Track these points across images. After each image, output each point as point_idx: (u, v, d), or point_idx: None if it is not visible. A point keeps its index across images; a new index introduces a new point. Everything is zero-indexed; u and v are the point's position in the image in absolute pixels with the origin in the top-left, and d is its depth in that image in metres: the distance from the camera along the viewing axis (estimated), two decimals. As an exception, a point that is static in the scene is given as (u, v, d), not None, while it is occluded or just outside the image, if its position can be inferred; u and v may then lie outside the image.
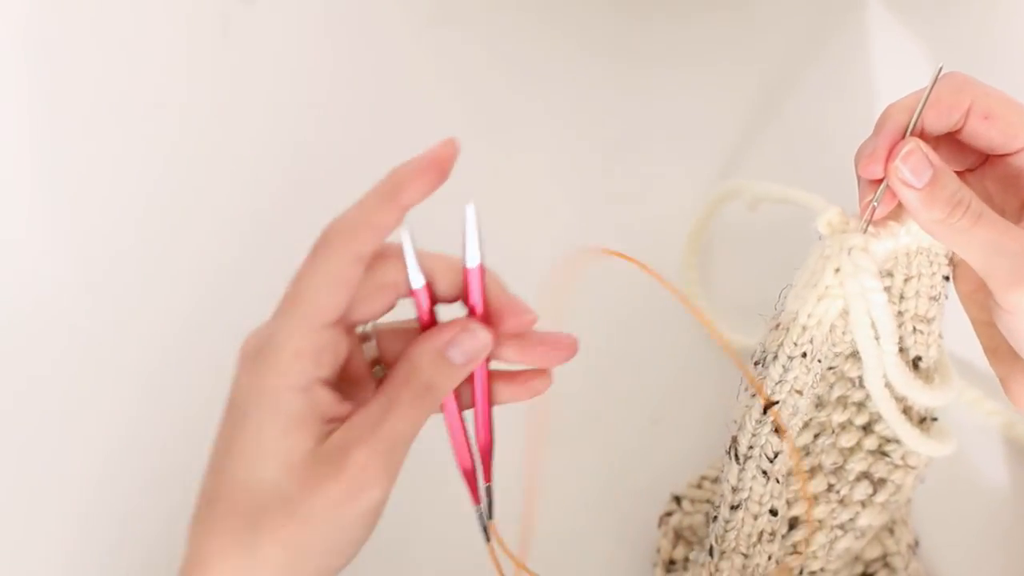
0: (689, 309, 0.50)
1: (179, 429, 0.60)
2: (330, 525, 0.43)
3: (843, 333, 0.51)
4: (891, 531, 0.61)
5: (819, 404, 0.56)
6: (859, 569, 0.61)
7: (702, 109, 0.73)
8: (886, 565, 0.61)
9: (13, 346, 0.66)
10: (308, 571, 0.44)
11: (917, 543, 0.62)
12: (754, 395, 0.52)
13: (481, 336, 0.46)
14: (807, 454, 0.56)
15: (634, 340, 0.68)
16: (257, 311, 0.57)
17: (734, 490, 0.54)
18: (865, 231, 0.49)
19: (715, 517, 0.56)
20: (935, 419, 0.58)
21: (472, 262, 0.45)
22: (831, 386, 0.56)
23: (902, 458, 0.57)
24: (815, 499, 0.56)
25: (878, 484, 0.57)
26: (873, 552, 0.61)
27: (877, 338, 0.51)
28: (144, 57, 0.72)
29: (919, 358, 0.55)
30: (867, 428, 0.57)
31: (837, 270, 0.49)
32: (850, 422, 0.57)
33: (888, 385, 0.54)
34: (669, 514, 0.63)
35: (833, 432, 0.57)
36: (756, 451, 0.53)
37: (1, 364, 0.66)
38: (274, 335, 0.44)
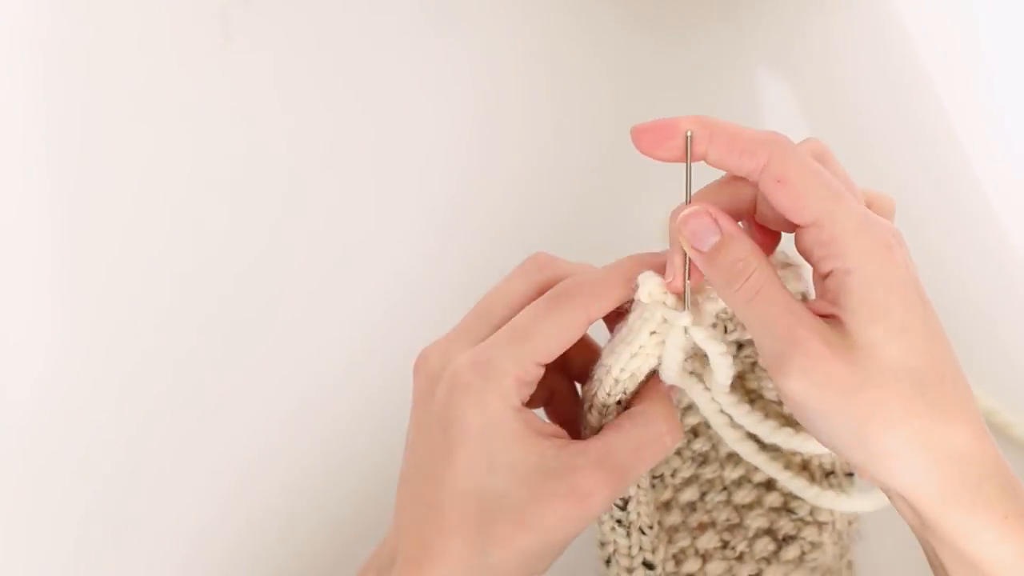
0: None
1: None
2: (552, 536, 0.46)
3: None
4: None
5: (704, 461, 0.57)
6: None
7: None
8: None
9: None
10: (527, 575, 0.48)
11: None
12: None
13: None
14: (693, 510, 0.56)
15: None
16: (259, 312, 0.66)
17: (601, 545, 0.54)
18: (686, 306, 0.48)
19: None
20: (850, 474, 0.56)
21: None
22: (714, 445, 0.57)
23: (810, 514, 0.55)
24: (708, 555, 0.56)
25: (784, 541, 0.55)
26: None
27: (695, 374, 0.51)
28: (143, 57, 0.71)
29: None
30: (768, 485, 0.57)
31: (653, 332, 0.49)
32: (746, 479, 0.57)
33: (734, 425, 0.54)
34: None
35: (725, 489, 0.57)
36: None
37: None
38: (497, 362, 0.47)
